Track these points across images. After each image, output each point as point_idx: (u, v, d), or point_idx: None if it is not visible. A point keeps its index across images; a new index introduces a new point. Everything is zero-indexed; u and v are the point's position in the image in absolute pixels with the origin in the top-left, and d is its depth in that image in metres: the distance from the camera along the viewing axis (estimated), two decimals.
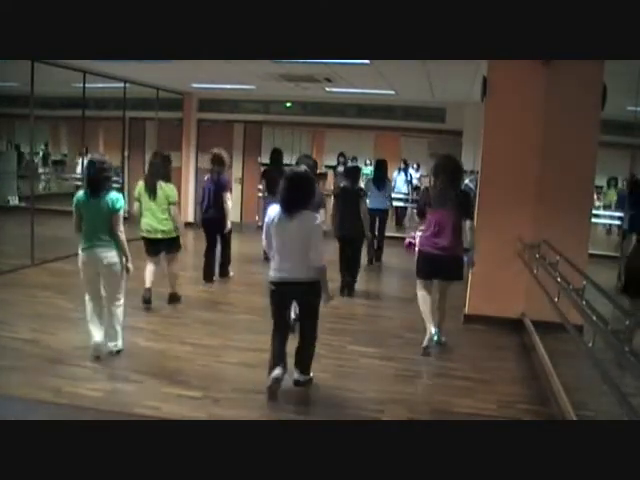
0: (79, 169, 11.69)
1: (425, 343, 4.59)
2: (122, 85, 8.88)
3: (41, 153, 12.09)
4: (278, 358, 3.73)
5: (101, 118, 10.89)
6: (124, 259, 4.16)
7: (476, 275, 5.39)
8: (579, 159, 5.00)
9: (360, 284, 6.92)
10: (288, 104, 10.44)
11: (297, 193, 3.53)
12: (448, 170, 4.57)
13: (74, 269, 7.08)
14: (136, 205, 5.49)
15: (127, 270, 4.22)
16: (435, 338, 4.66)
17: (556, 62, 4.72)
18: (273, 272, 3.63)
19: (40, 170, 12.10)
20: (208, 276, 6.58)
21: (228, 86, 9.25)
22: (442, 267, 4.58)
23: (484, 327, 5.25)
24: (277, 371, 3.67)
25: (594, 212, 7.61)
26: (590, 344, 2.79)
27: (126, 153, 9.95)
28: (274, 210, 3.60)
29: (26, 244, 7.02)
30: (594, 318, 2.73)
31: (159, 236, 5.40)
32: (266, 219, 3.64)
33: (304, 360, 3.84)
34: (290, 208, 3.52)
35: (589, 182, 5.26)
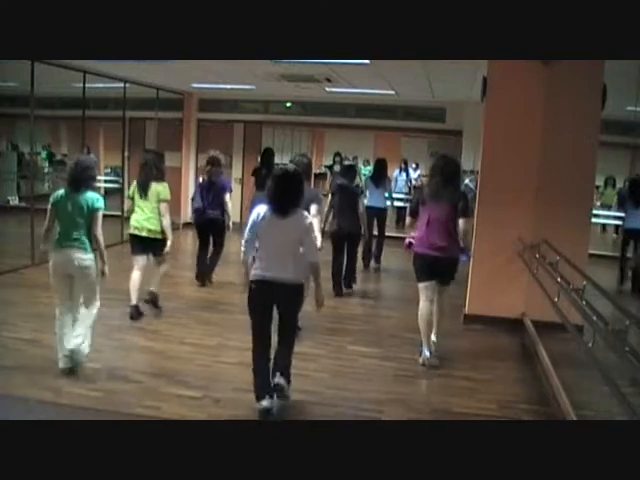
0: None
1: (421, 362, 4.42)
2: (122, 85, 8.88)
3: (44, 153, 12.08)
4: (262, 388, 3.47)
5: (101, 118, 10.89)
6: (100, 262, 3.97)
7: (476, 275, 5.39)
8: (579, 159, 5.00)
9: (360, 284, 6.93)
10: (288, 104, 10.44)
11: (288, 192, 3.37)
12: (446, 170, 4.45)
13: None
14: (129, 203, 5.37)
15: (102, 274, 4.00)
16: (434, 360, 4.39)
17: (556, 62, 4.72)
18: (259, 271, 3.42)
19: (45, 170, 12.10)
20: (200, 278, 6.46)
21: (228, 86, 9.24)
22: (439, 268, 4.35)
23: (484, 327, 5.25)
24: (265, 403, 3.42)
25: (594, 212, 7.67)
26: (590, 344, 2.79)
27: (126, 153, 9.95)
28: (262, 209, 3.41)
29: (26, 244, 7.01)
30: (594, 318, 2.73)
31: (144, 234, 5.15)
32: (253, 218, 3.43)
33: (284, 365, 3.54)
34: (282, 207, 3.35)
35: (589, 182, 5.26)
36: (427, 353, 4.39)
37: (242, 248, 3.48)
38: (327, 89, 8.76)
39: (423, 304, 4.41)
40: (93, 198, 3.90)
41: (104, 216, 4.02)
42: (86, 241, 3.88)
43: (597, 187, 9.73)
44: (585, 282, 3.40)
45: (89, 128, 8.93)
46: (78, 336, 3.91)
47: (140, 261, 5.22)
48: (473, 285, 5.43)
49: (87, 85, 7.93)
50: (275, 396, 3.47)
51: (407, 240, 9.50)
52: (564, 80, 4.87)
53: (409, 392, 3.95)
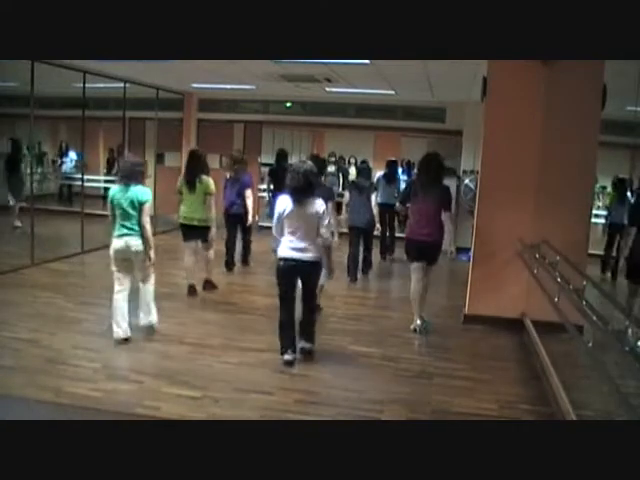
0: (64, 168, 11.70)
1: (412, 328, 5.24)
2: (122, 85, 8.88)
3: (32, 152, 11.99)
4: (286, 344, 4.28)
5: (101, 118, 10.89)
6: (147, 247, 4.53)
7: (476, 275, 5.39)
8: (579, 159, 5.00)
9: (361, 284, 6.94)
10: (288, 104, 10.44)
11: (303, 184, 4.10)
12: (431, 168, 5.16)
13: (74, 269, 7.13)
14: (178, 197, 6.11)
15: (149, 258, 4.57)
16: (424, 326, 5.19)
17: (556, 62, 4.72)
18: (283, 250, 4.20)
19: (35, 170, 12.05)
20: (229, 265, 7.17)
21: (228, 86, 9.24)
22: (425, 251, 5.16)
23: (484, 327, 5.26)
24: (288, 357, 4.24)
25: (595, 212, 7.77)
26: (590, 344, 2.79)
27: (126, 153, 9.95)
28: (285, 200, 4.17)
29: (26, 244, 7.02)
30: (594, 318, 2.73)
31: (194, 223, 5.93)
32: (278, 208, 4.19)
33: (308, 328, 4.39)
34: (299, 197, 4.12)
35: (589, 182, 5.26)
36: (418, 322, 5.23)
37: (273, 230, 4.28)
38: (327, 89, 8.76)
39: (414, 284, 5.27)
40: (142, 192, 4.50)
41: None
42: (139, 229, 4.50)
43: (604, 187, 9.74)
44: (585, 282, 3.40)
45: (89, 128, 8.93)
46: (146, 313, 4.67)
47: (191, 245, 6.08)
48: (473, 285, 5.43)
49: (87, 85, 7.92)
50: (300, 352, 4.34)
51: None
52: (564, 80, 4.87)
53: (409, 392, 3.95)
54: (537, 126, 5.06)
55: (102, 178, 11.72)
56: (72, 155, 11.73)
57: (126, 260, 4.55)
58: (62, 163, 11.88)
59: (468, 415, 3.58)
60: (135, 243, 4.49)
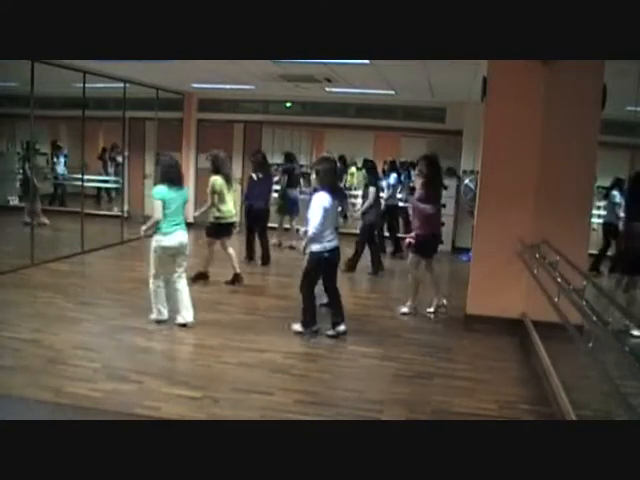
0: (59, 169, 11.68)
1: (406, 310, 5.81)
2: (122, 85, 8.88)
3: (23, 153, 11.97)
4: (314, 317, 4.93)
5: (101, 118, 10.89)
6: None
7: (476, 275, 5.39)
8: (579, 159, 5.00)
9: (361, 284, 6.94)
10: (288, 104, 10.45)
11: (337, 182, 4.95)
12: (439, 171, 5.86)
13: (74, 269, 7.13)
14: (215, 197, 6.45)
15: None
16: (436, 308, 5.85)
17: (556, 62, 4.71)
18: (330, 242, 4.75)
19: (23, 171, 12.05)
20: (250, 256, 7.78)
21: (228, 86, 9.24)
22: (436, 247, 5.98)
23: (484, 327, 5.25)
24: (315, 327, 4.87)
25: (597, 212, 7.84)
26: (590, 344, 2.79)
27: (126, 153, 9.95)
28: (326, 197, 4.69)
29: (26, 244, 7.02)
30: (594, 318, 2.73)
31: (235, 219, 6.64)
32: (324, 205, 4.64)
33: (339, 307, 4.95)
34: (336, 193, 4.84)
35: (589, 182, 5.25)
36: (413, 304, 5.84)
37: (318, 227, 4.63)
38: (327, 89, 8.76)
39: (417, 272, 5.89)
40: (187, 192, 5.23)
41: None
42: (185, 224, 5.08)
43: (605, 188, 9.74)
44: (585, 282, 3.40)
45: (89, 128, 8.93)
46: (180, 311, 5.01)
47: (229, 241, 6.61)
48: (473, 285, 5.42)
49: (87, 85, 7.93)
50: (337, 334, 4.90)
51: (407, 240, 9.49)
52: (564, 80, 4.87)
53: (409, 392, 3.95)
54: (537, 126, 5.06)
55: (96, 178, 11.69)
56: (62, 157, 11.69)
57: (172, 255, 4.98)
58: (55, 163, 11.84)
59: (468, 415, 3.58)
60: (184, 236, 5.02)
